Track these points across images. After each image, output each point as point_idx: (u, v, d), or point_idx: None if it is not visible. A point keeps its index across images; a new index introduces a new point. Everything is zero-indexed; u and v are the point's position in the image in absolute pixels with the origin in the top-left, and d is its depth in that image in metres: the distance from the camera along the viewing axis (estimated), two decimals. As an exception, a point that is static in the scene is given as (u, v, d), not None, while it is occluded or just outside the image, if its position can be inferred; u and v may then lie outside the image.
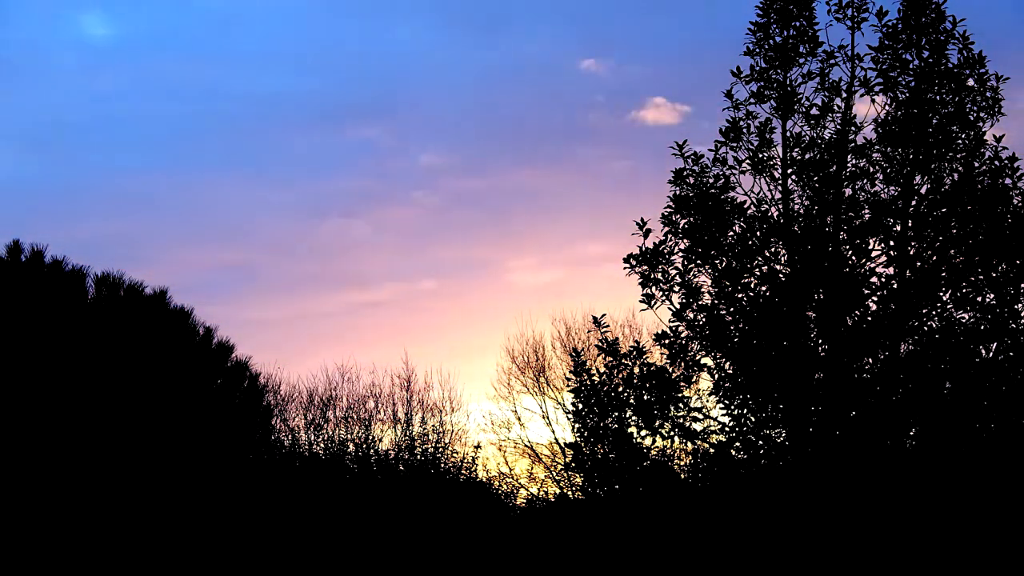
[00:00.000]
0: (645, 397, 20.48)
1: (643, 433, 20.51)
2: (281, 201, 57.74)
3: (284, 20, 58.09)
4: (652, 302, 20.74)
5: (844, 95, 20.44)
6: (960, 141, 20.03)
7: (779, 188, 20.60)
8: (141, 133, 58.39)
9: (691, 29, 55.14)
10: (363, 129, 58.32)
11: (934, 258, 19.78)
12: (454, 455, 30.36)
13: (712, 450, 20.24)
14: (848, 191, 20.23)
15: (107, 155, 58.05)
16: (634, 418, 20.54)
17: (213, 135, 58.23)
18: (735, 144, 20.75)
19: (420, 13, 57.02)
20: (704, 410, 20.60)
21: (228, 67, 58.58)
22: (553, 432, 34.13)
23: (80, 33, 58.14)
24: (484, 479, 31.87)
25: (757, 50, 20.88)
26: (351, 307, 55.59)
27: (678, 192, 20.86)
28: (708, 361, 20.52)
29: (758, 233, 20.34)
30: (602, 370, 21.00)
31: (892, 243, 19.86)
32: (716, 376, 20.29)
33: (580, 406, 20.94)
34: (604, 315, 21.49)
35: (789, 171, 20.49)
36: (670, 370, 20.55)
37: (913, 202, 20.04)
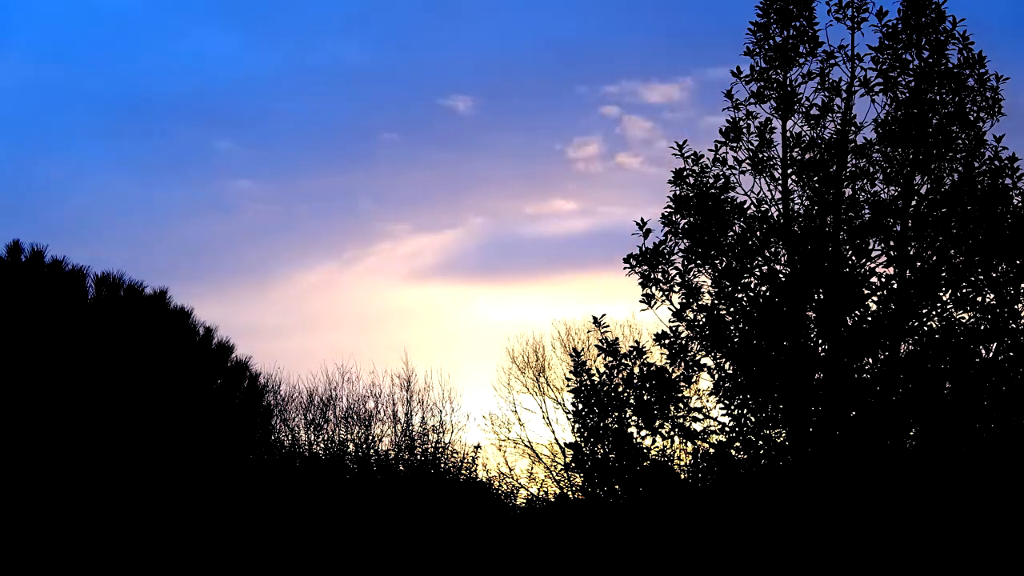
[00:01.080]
0: (645, 397, 20.48)
1: (643, 433, 20.51)
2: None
3: (65, 17, 59.23)
4: (652, 302, 20.75)
5: (844, 95, 20.44)
6: (960, 141, 20.03)
7: (779, 188, 20.60)
8: None
9: (481, 28, 58.37)
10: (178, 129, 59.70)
11: (934, 258, 19.77)
12: (454, 455, 30.34)
13: (712, 450, 20.24)
14: (848, 191, 20.24)
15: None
16: (634, 418, 20.54)
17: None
18: (735, 144, 20.76)
19: (214, 18, 58.87)
20: (704, 410, 20.60)
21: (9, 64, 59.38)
22: (553, 432, 34.16)
23: None
24: (484, 479, 31.88)
25: (757, 50, 20.88)
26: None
27: (678, 192, 20.86)
28: (708, 361, 20.52)
29: (758, 233, 20.34)
30: (602, 370, 21.00)
31: (892, 243, 19.86)
32: (716, 376, 20.28)
33: (580, 406, 20.93)
34: (604, 315, 21.52)
35: (789, 171, 20.49)
36: (670, 370, 20.54)
37: (913, 202, 20.04)
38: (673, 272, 20.70)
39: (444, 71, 59.15)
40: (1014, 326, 19.23)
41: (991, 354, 19.32)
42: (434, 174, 58.95)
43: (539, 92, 58.02)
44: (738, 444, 20.08)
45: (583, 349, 21.59)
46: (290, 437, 31.06)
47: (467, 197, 59.49)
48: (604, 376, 20.92)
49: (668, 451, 20.67)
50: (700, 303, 20.49)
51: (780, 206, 20.54)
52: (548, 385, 34.77)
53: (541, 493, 32.78)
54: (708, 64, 58.36)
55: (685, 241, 20.70)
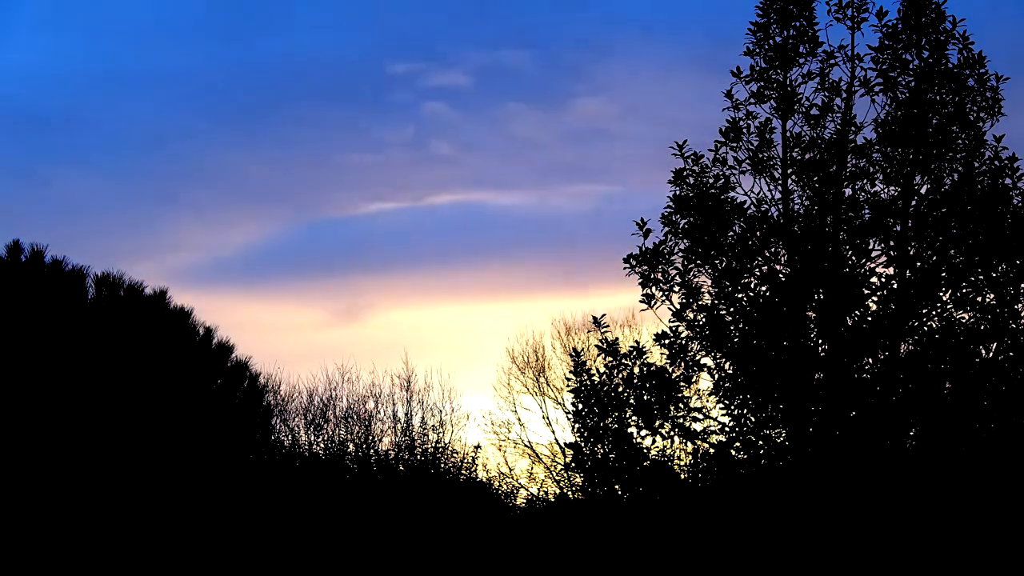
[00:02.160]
0: (645, 397, 20.47)
1: (643, 433, 20.50)
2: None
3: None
4: (652, 302, 20.74)
5: (844, 95, 20.44)
6: (960, 141, 20.02)
7: (779, 188, 20.60)
8: None
9: (283, 28, 61.14)
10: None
11: (934, 258, 19.78)
12: (454, 455, 30.36)
13: (712, 450, 20.24)
14: (848, 191, 20.23)
15: None
16: (634, 418, 20.53)
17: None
18: (735, 144, 20.75)
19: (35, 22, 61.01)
20: (704, 410, 20.60)
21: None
22: (553, 432, 34.20)
23: None
24: (484, 479, 31.90)
25: (757, 50, 20.87)
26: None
27: (678, 192, 20.85)
28: (708, 361, 20.50)
29: (758, 233, 20.33)
30: (602, 370, 20.99)
31: (892, 243, 19.86)
32: (716, 376, 20.28)
33: (580, 406, 20.92)
34: (604, 315, 21.52)
35: (789, 171, 20.49)
36: (670, 370, 20.54)
37: (913, 202, 20.04)
38: (673, 272, 20.70)
39: (248, 69, 61.92)
40: (1014, 326, 19.23)
41: (991, 354, 19.31)
42: (255, 170, 61.38)
43: (339, 85, 60.96)
44: (738, 444, 20.08)
45: (583, 349, 21.59)
46: (290, 437, 31.10)
47: (279, 194, 61.24)
48: (604, 376, 20.91)
49: (668, 451, 20.67)
50: (700, 303, 20.48)
51: (780, 206, 20.54)
52: (548, 385, 34.81)
53: (541, 493, 32.81)
54: (487, 48, 60.02)
55: (685, 241, 20.69)
